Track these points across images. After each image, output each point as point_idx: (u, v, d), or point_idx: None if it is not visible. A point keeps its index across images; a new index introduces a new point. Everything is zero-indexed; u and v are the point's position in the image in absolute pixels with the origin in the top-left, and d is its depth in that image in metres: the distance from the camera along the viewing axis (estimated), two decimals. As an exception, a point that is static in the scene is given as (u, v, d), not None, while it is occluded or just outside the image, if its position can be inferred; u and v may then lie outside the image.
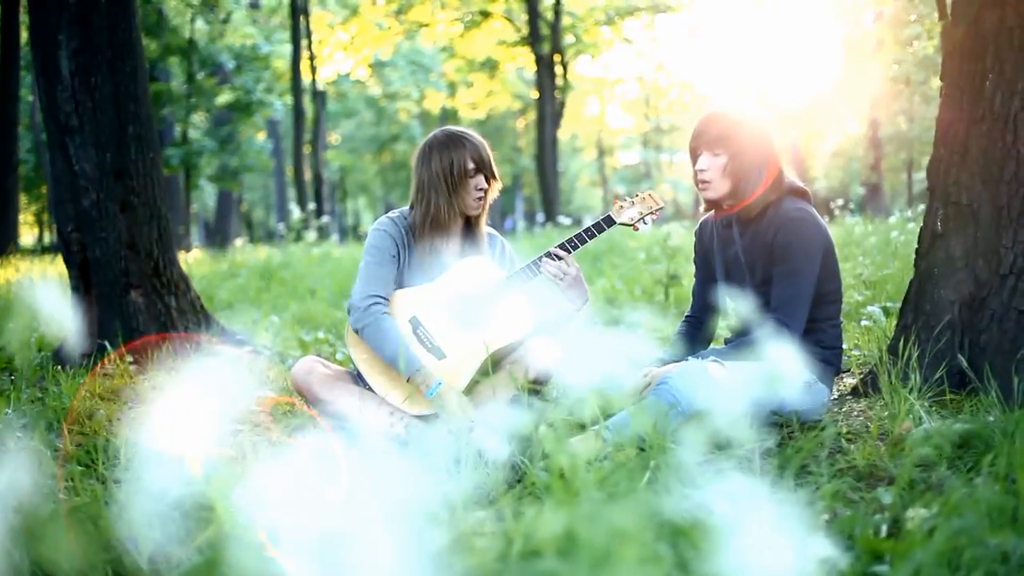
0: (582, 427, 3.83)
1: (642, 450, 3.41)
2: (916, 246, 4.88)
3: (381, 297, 4.94)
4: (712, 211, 4.81)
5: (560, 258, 4.90)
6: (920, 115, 36.51)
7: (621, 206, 5.09)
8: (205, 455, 3.75)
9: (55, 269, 13.51)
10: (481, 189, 5.05)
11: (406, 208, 5.20)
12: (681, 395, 3.99)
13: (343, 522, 1.86)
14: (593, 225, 4.99)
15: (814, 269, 4.40)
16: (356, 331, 4.94)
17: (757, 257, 4.51)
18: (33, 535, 2.70)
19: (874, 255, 11.06)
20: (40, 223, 49.86)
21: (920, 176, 40.68)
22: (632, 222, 5.07)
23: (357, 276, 5.07)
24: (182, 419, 2.30)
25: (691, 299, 5.06)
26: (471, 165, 4.99)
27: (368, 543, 1.81)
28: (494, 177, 5.10)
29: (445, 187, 4.98)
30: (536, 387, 4.76)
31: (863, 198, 38.66)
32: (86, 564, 2.73)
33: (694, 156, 4.61)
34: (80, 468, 3.68)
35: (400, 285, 5.06)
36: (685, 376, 4.05)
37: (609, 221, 5.02)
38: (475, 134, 5.10)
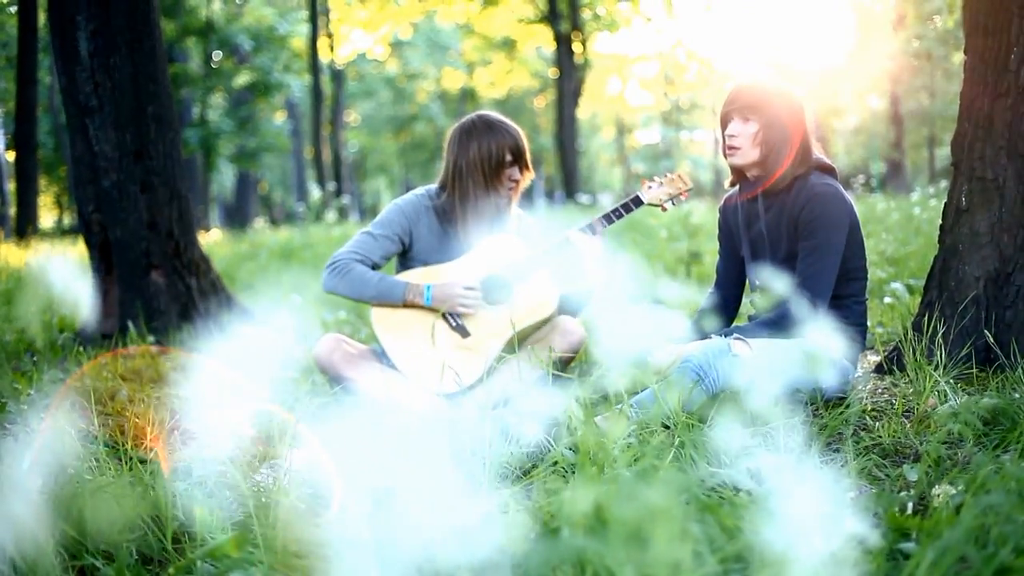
0: (608, 404, 3.83)
1: (667, 427, 3.40)
2: (940, 222, 4.85)
3: (359, 260, 4.95)
4: (737, 187, 4.78)
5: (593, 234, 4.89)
6: (942, 91, 36.37)
7: (649, 186, 5.07)
8: (230, 433, 3.75)
9: (76, 251, 13.55)
10: (514, 180, 5.06)
11: (433, 187, 5.20)
12: (705, 372, 3.97)
13: (365, 499, 1.86)
14: (621, 205, 4.97)
15: (840, 244, 4.36)
16: (330, 291, 4.95)
17: (782, 232, 4.48)
18: (59, 514, 2.70)
19: (897, 232, 11.03)
20: (60, 205, 49.99)
21: (942, 152, 40.57)
22: (660, 203, 5.05)
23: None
24: (206, 398, 2.30)
25: (715, 276, 5.03)
26: (509, 157, 5.00)
27: (395, 517, 1.80)
28: (528, 168, 5.09)
29: (482, 176, 4.99)
30: (562, 365, 4.76)
31: (884, 175, 38.55)
32: (111, 543, 2.73)
33: (724, 122, 4.57)
34: (105, 448, 3.68)
35: (424, 262, 5.06)
36: (709, 353, 4.04)
37: (637, 202, 5.00)
38: (512, 123, 5.10)
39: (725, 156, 4.62)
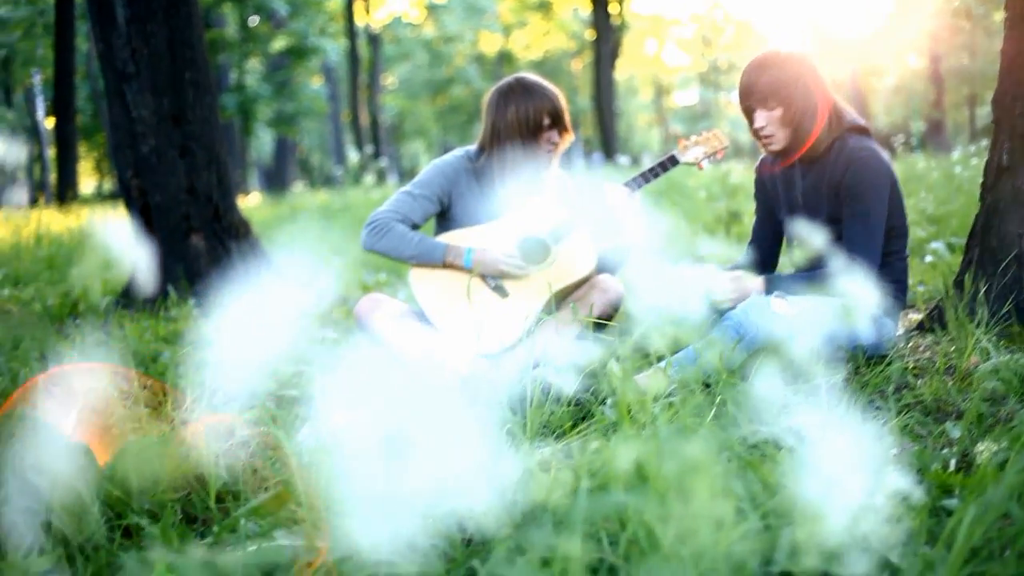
0: (648, 363, 3.82)
1: (707, 385, 3.40)
2: (981, 180, 4.82)
3: (398, 220, 4.95)
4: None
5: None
6: (983, 49, 36.06)
7: (685, 145, 5.02)
8: (270, 394, 3.77)
9: (116, 215, 13.64)
10: (553, 142, 5.04)
11: (473, 148, 5.18)
12: (746, 330, 3.96)
13: (410, 457, 1.86)
14: (657, 165, 4.93)
15: (884, 207, 4.33)
16: (369, 249, 4.95)
17: (822, 197, 4.45)
18: (103, 476, 2.72)
19: (937, 191, 10.95)
20: (100, 171, 50.23)
21: (983, 111, 40.22)
22: (696, 161, 5.00)
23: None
24: (245, 359, 2.31)
25: (751, 236, 5.00)
26: (547, 120, 4.97)
27: (434, 472, 1.81)
28: (567, 130, 5.07)
29: (520, 139, 4.96)
30: (601, 324, 4.75)
31: (924, 134, 38.30)
32: (156, 502, 2.75)
33: (749, 114, 4.53)
34: (147, 410, 3.71)
35: (463, 224, 5.06)
36: (750, 311, 4.02)
37: (673, 161, 4.96)
38: (550, 85, 5.07)
39: (761, 144, 4.58)
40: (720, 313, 4.25)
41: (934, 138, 36.95)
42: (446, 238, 4.99)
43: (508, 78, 5.15)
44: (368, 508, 1.81)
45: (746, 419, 2.87)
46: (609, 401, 3.40)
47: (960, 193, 10.30)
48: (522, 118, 4.94)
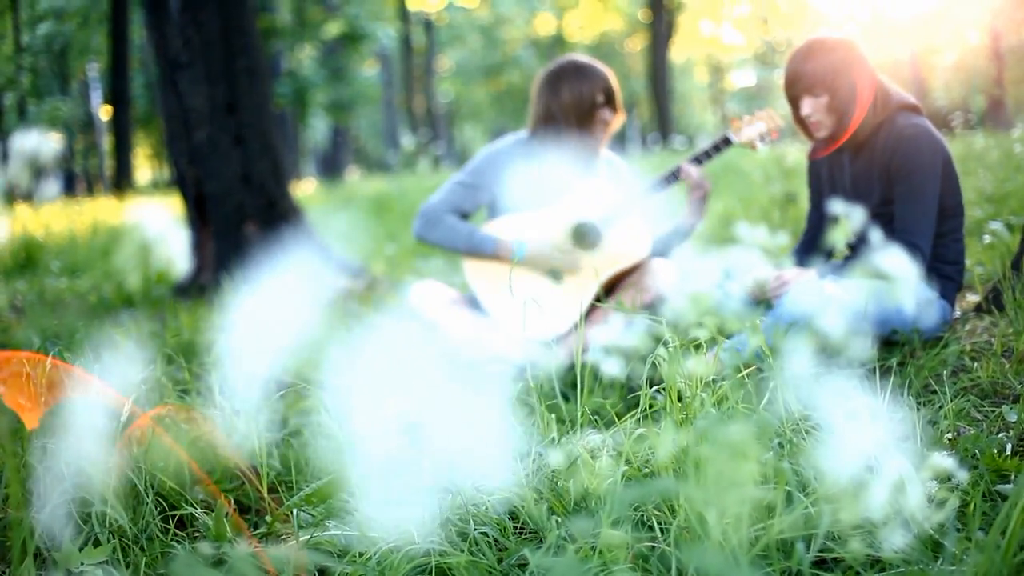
0: (698, 349, 3.80)
1: (760, 370, 3.38)
2: (1042, 158, 4.76)
3: (449, 210, 4.97)
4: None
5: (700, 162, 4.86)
6: (1044, 24, 35.65)
7: (739, 126, 4.99)
8: (321, 383, 3.77)
9: (172, 205, 13.75)
10: (606, 122, 5.03)
11: (523, 133, 5.18)
12: (799, 315, 3.93)
13: (456, 447, 1.86)
14: (711, 147, 4.90)
15: (936, 185, 4.29)
16: (420, 239, 4.98)
17: (873, 180, 4.41)
18: (154, 465, 2.74)
19: (996, 169, 10.81)
20: (156, 160, 50.58)
21: (1044, 88, 39.78)
22: (751, 142, 4.97)
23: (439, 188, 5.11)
24: (295, 347, 2.31)
25: (806, 222, 4.98)
26: (600, 98, 4.96)
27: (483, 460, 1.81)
28: (619, 109, 5.06)
29: (575, 119, 4.97)
30: (653, 310, 4.73)
31: (984, 111, 37.90)
32: (207, 494, 2.77)
33: (795, 103, 4.51)
34: (199, 399, 3.73)
35: (516, 209, 5.05)
36: (801, 296, 4.00)
37: (727, 142, 4.92)
38: (601, 65, 5.07)
39: (808, 131, 4.56)
40: (768, 305, 4.23)
41: (994, 116, 36.54)
42: (499, 225, 4.99)
43: (558, 60, 5.15)
44: (418, 497, 1.82)
45: (797, 404, 2.86)
46: (657, 388, 3.40)
47: (1020, 172, 10.16)
48: (575, 98, 4.94)
